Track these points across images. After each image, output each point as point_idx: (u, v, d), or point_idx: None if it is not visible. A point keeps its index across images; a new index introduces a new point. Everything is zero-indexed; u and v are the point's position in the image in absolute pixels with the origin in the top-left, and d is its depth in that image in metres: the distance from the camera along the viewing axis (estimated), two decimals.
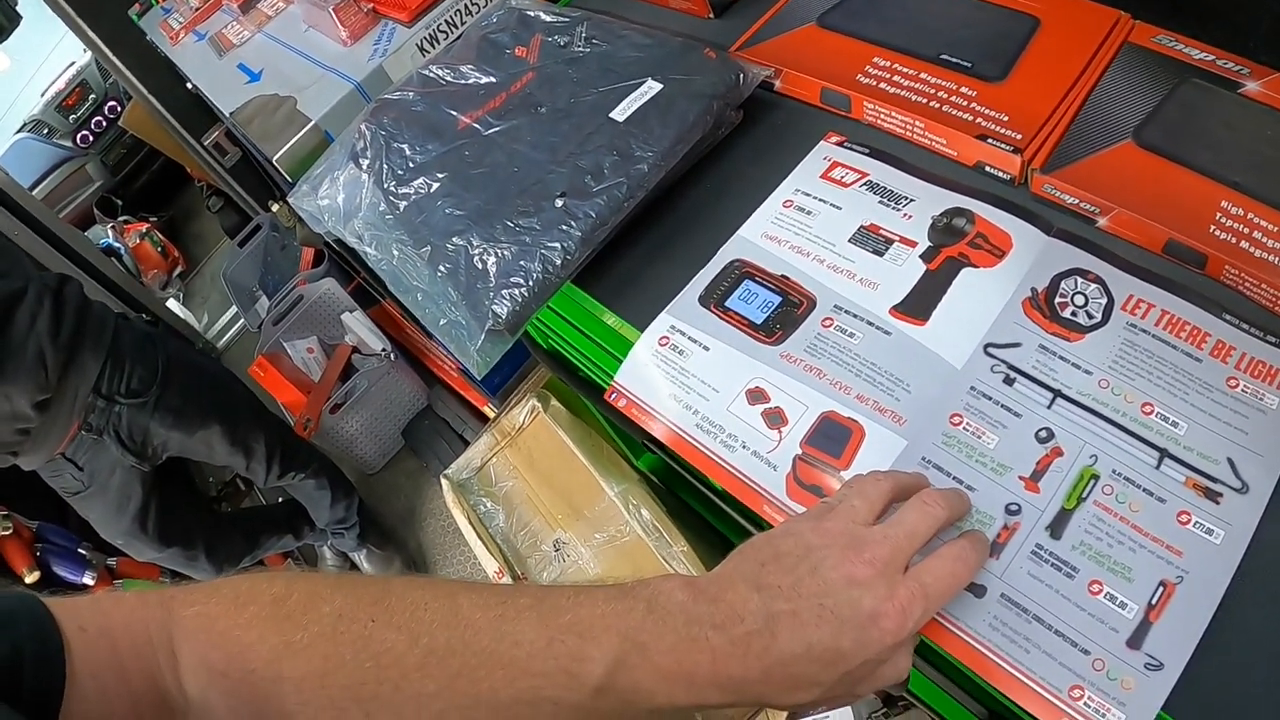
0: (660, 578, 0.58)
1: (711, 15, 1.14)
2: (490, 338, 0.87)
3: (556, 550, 1.37)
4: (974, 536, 0.62)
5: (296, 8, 1.54)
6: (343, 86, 1.33)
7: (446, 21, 1.35)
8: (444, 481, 1.52)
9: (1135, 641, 0.59)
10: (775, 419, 0.75)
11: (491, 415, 1.78)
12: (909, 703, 1.14)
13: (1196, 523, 0.63)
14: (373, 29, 1.40)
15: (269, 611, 0.56)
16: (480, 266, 0.88)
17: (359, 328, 2.60)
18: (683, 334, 0.83)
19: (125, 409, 1.89)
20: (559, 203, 0.89)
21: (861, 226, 0.85)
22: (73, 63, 4.34)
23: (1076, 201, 0.81)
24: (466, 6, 1.35)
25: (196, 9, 1.84)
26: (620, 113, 0.95)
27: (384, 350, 2.56)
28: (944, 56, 0.93)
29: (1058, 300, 0.76)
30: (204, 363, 2.28)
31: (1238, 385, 0.68)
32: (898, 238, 0.84)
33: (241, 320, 3.34)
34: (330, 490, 2.40)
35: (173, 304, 3.80)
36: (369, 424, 2.66)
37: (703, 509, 1.35)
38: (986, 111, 0.87)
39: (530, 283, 0.86)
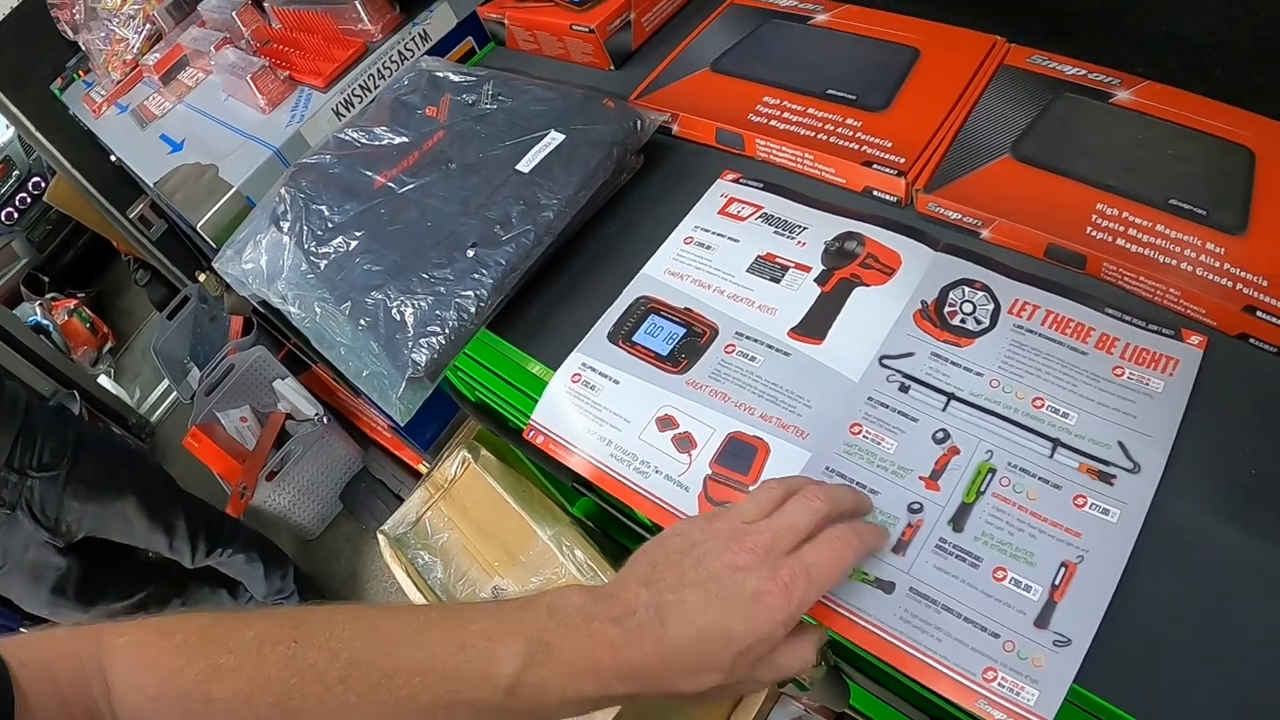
0: (561, 587, 0.61)
1: (612, 67, 1.18)
2: (411, 386, 0.89)
3: (495, 596, 1.38)
4: (860, 524, 0.66)
5: (216, 77, 1.56)
6: (263, 153, 1.35)
7: (360, 86, 1.38)
8: (380, 538, 1.53)
9: (1042, 621, 0.62)
10: (685, 443, 0.78)
11: (425, 471, 1.79)
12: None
13: (1092, 504, 0.66)
14: (290, 96, 1.42)
15: (196, 639, 0.59)
16: (398, 318, 0.90)
17: (291, 394, 2.59)
18: (594, 370, 0.86)
19: (37, 483, 1.89)
20: (470, 253, 0.91)
21: (758, 256, 0.89)
22: None
23: (960, 216, 0.85)
24: (379, 71, 1.39)
25: (118, 82, 1.85)
26: (526, 164, 0.98)
27: (317, 415, 2.56)
28: (830, 91, 0.98)
29: (947, 310, 0.80)
30: (116, 440, 2.29)
31: (1124, 373, 0.72)
32: (793, 264, 0.87)
33: (174, 393, 3.31)
34: (262, 564, 2.38)
35: (104, 380, 3.75)
36: (306, 489, 2.65)
37: (635, 545, 1.37)
38: (871, 140, 0.91)
39: (447, 330, 0.88)
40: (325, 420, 2.55)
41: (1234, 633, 0.59)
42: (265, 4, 1.55)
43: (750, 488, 0.74)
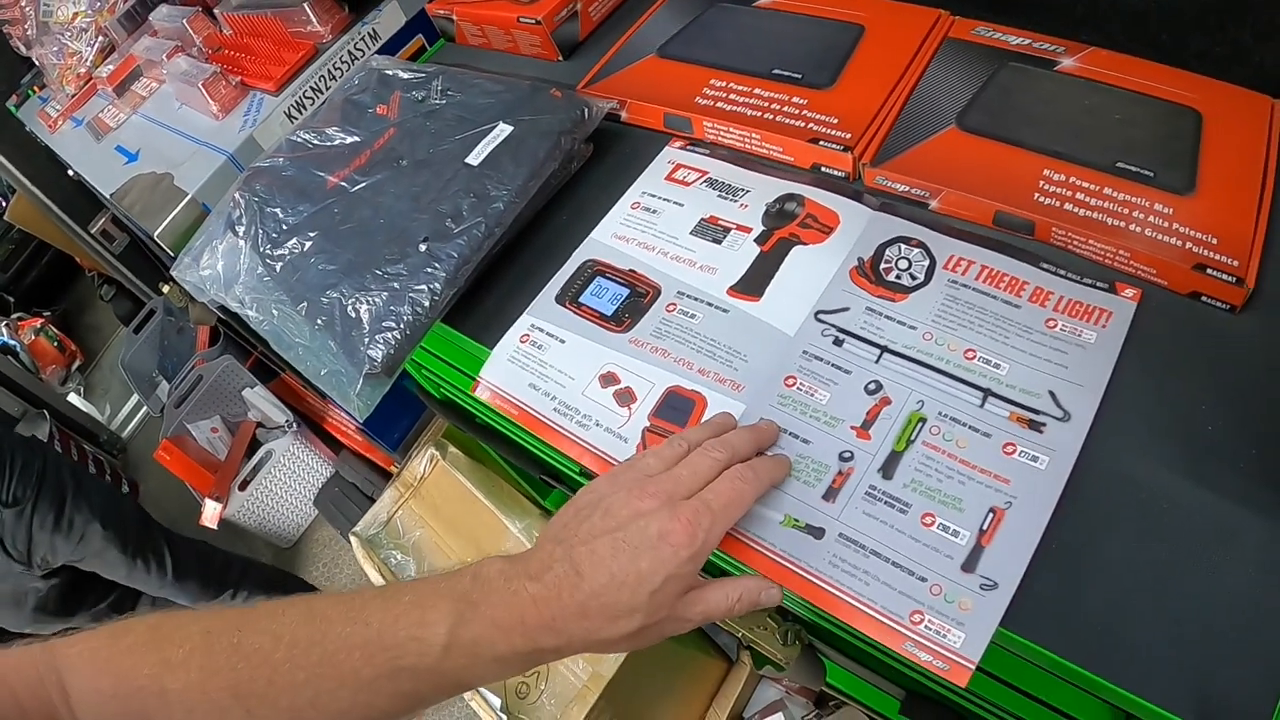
0: (483, 559, 0.64)
1: (561, 58, 1.19)
2: (368, 382, 0.89)
3: None
4: (758, 460, 0.69)
5: (169, 86, 1.56)
6: (216, 158, 1.35)
7: (311, 88, 1.38)
8: (353, 539, 1.53)
9: (969, 565, 0.63)
10: (625, 398, 0.80)
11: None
12: (838, 701, 1.17)
13: (1021, 452, 0.68)
14: (242, 101, 1.42)
15: (146, 638, 0.62)
16: (354, 315, 0.90)
17: (260, 402, 2.59)
18: (541, 330, 0.88)
19: (6, 516, 1.87)
20: (423, 248, 0.92)
21: (702, 219, 0.91)
22: None
23: (907, 189, 0.86)
24: (330, 71, 1.39)
25: (73, 95, 1.84)
26: (475, 157, 0.98)
27: (287, 422, 2.55)
28: (776, 71, 0.99)
29: (883, 266, 0.82)
30: (82, 473, 2.20)
31: (1056, 325, 0.74)
32: (734, 225, 0.89)
33: (144, 407, 3.30)
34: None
35: (74, 398, 3.73)
36: (279, 497, 2.64)
37: None
38: (818, 117, 0.93)
39: (402, 325, 0.88)
40: (295, 427, 2.54)
41: (1158, 572, 0.61)
42: (216, 10, 1.55)
43: None
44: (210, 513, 2.43)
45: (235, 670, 0.59)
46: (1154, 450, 0.66)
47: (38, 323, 4.11)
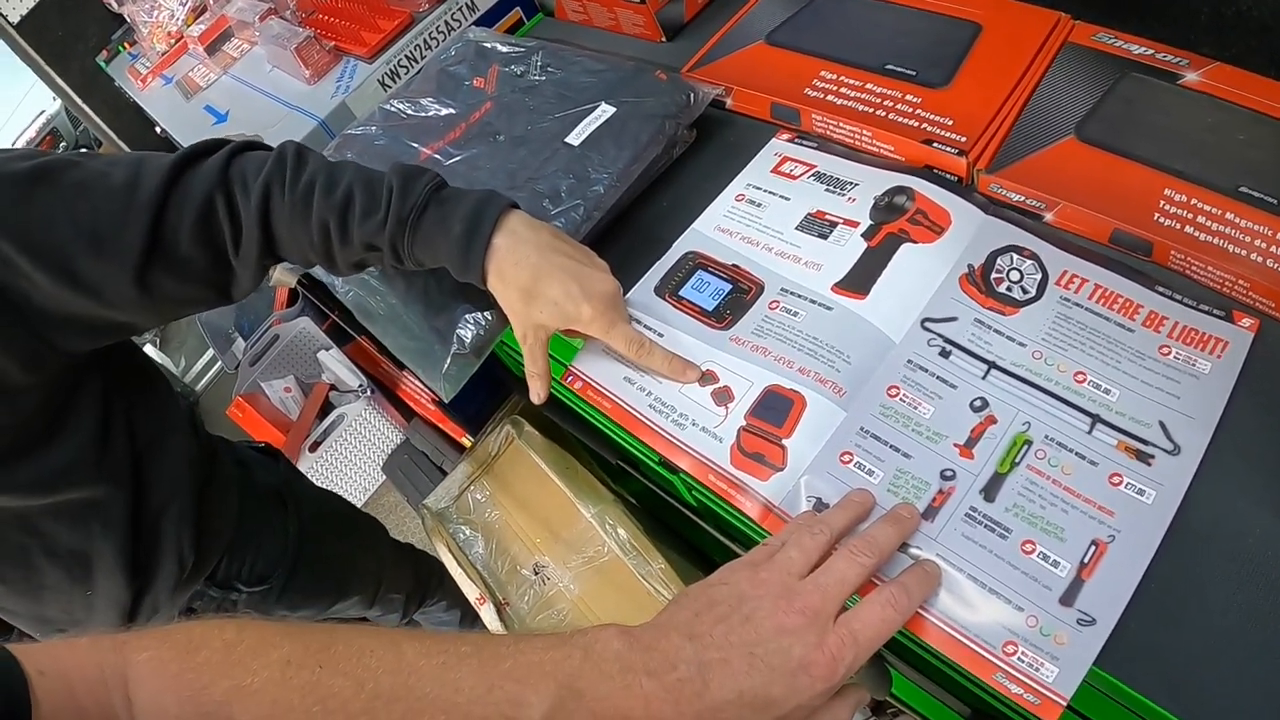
0: (598, 627, 0.59)
1: (664, 39, 1.17)
2: (456, 362, 0.88)
3: (536, 574, 1.37)
4: (909, 578, 0.63)
5: (260, 49, 1.56)
6: (308, 123, 1.35)
7: (407, 56, 1.37)
8: (423, 511, 1.52)
9: (1068, 599, 0.61)
10: (723, 396, 0.78)
11: (469, 444, 1.78)
12: (897, 709, 1.15)
13: (1128, 484, 0.65)
14: (335, 67, 1.42)
15: (220, 656, 0.57)
16: (444, 294, 0.89)
17: (335, 365, 2.61)
18: (639, 323, 0.86)
19: (243, 598, 1.33)
20: None
21: (808, 214, 0.89)
22: (43, 111, 4.33)
23: (1023, 199, 0.84)
24: (426, 41, 1.38)
25: (163, 54, 1.86)
26: (576, 137, 0.97)
27: (360, 386, 2.56)
28: (889, 66, 0.96)
29: (993, 276, 0.79)
30: (343, 512, 1.71)
31: (1170, 353, 0.71)
32: (841, 220, 0.87)
33: (219, 363, 3.34)
34: (460, 620, 1.97)
35: (150, 349, 3.80)
36: (349, 460, 2.66)
37: (681, 525, 1.36)
38: (931, 117, 0.90)
39: (494, 307, 0.87)
40: (369, 392, 2.55)
41: (1261, 625, 0.59)
42: None
43: (785, 440, 0.74)
44: None
45: (309, 713, 0.55)
46: (1263, 492, 0.64)
47: None
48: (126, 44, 2.11)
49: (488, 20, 1.41)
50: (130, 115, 2.12)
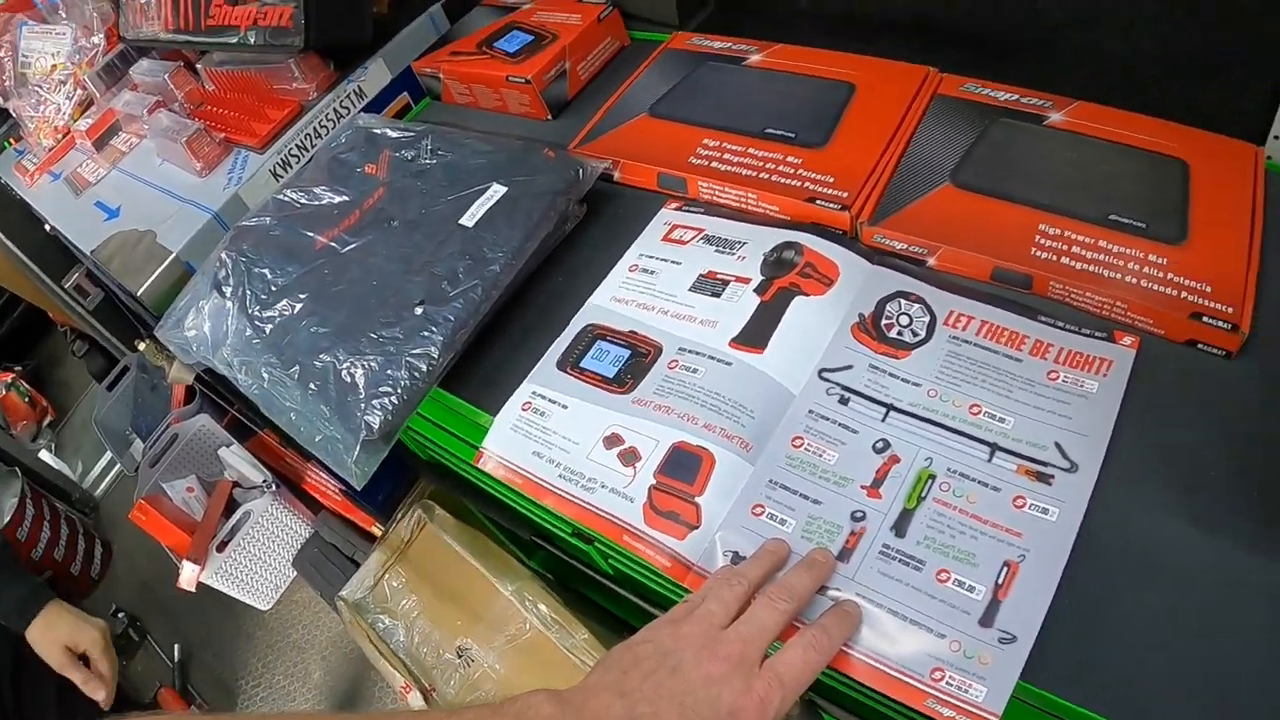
0: (528, 693, 0.59)
1: (550, 117, 1.19)
2: (365, 449, 0.87)
3: (460, 656, 1.35)
4: (828, 619, 0.65)
5: (150, 142, 1.55)
6: (201, 217, 1.33)
7: (297, 145, 1.37)
8: (339, 603, 1.50)
9: (987, 620, 0.63)
10: (630, 457, 0.79)
11: (379, 533, 1.76)
12: None
13: (1032, 505, 0.68)
14: (226, 158, 1.41)
15: None
16: (349, 380, 0.88)
17: (237, 462, 2.54)
18: (543, 397, 0.87)
19: None
20: (418, 310, 0.90)
21: (700, 275, 0.91)
22: None
23: (906, 246, 0.87)
24: (316, 129, 1.38)
25: (50, 149, 1.82)
26: (469, 218, 0.98)
27: (265, 482, 2.51)
28: (769, 130, 1.00)
29: (884, 322, 0.82)
30: None
31: (1058, 377, 0.75)
32: (733, 278, 0.89)
33: (118, 465, 3.24)
34: None
35: (45, 455, 3.66)
36: (258, 558, 2.59)
37: (599, 596, 1.35)
38: (813, 176, 0.93)
39: (399, 390, 0.87)
40: (274, 487, 2.50)
41: (1175, 621, 0.61)
42: (198, 66, 1.54)
43: (698, 498, 0.75)
44: (188, 575, 2.38)
45: None
46: (1159, 498, 0.68)
47: (8, 378, 4.04)
48: (12, 140, 2.06)
49: (376, 106, 1.41)
50: (17, 213, 2.06)
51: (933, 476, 0.71)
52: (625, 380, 0.85)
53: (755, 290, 0.87)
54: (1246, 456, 0.68)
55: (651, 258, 0.95)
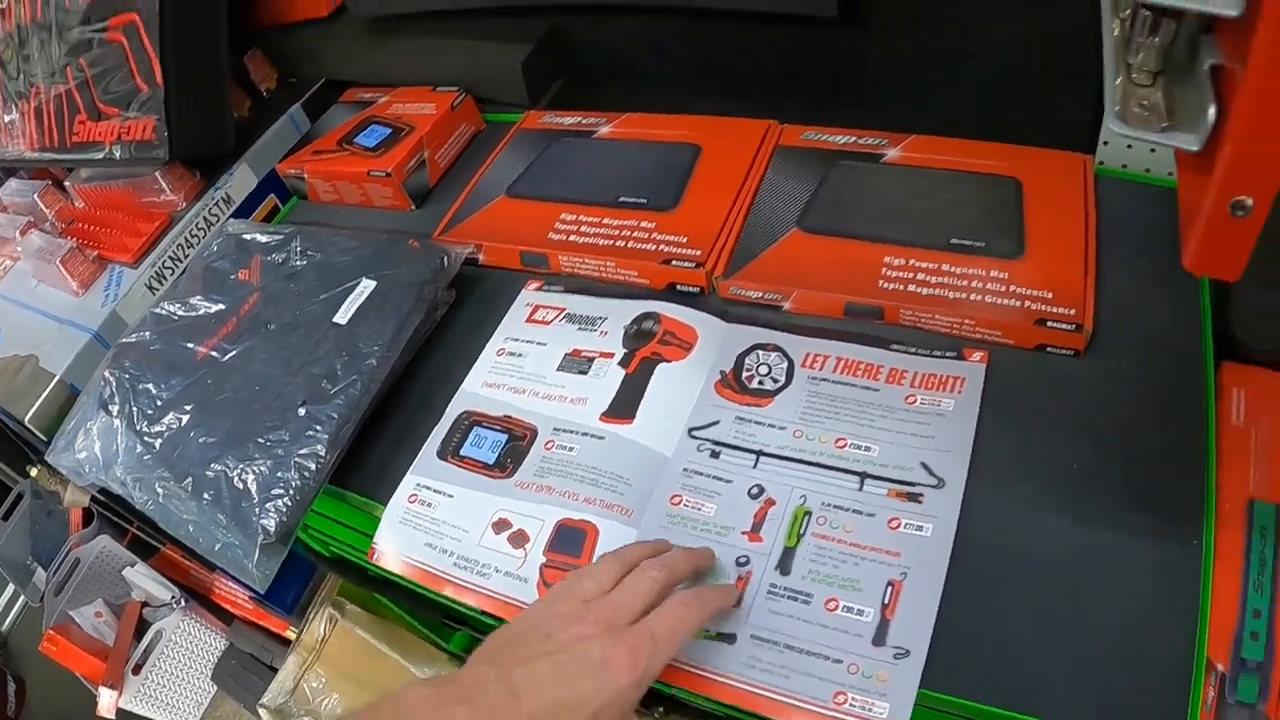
0: (407, 685, 0.61)
1: (413, 207, 1.21)
2: (265, 552, 0.87)
3: None
4: (704, 587, 0.69)
5: (24, 264, 1.53)
6: (81, 337, 1.31)
7: (170, 257, 1.36)
8: (262, 711, 1.48)
9: (879, 639, 0.66)
10: (519, 539, 0.81)
11: (294, 636, 1.74)
12: None
13: (906, 524, 0.72)
14: (101, 275, 1.39)
15: None
16: (241, 486, 0.89)
17: (143, 580, 2.48)
18: (428, 488, 0.88)
19: None
20: (302, 411, 0.91)
21: (565, 354, 0.94)
22: None
23: (760, 294, 0.91)
24: (187, 239, 1.38)
25: None
26: (343, 315, 0.99)
27: (174, 598, 2.45)
28: (621, 199, 1.03)
29: (744, 375, 0.86)
30: None
31: (916, 400, 0.79)
32: (597, 354, 0.92)
33: (22, 597, 3.13)
34: None
35: None
36: (175, 676, 2.52)
37: None
38: (667, 238, 0.97)
39: (291, 491, 0.87)
40: (183, 602, 2.44)
41: (1055, 611, 0.66)
42: (66, 184, 1.53)
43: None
44: (106, 702, 2.31)
45: None
46: (1028, 496, 0.72)
47: None
48: None
49: (244, 211, 1.41)
50: None
51: (809, 513, 0.74)
52: (506, 465, 0.87)
53: (619, 364, 0.91)
54: (1104, 444, 0.73)
55: (518, 340, 0.98)
